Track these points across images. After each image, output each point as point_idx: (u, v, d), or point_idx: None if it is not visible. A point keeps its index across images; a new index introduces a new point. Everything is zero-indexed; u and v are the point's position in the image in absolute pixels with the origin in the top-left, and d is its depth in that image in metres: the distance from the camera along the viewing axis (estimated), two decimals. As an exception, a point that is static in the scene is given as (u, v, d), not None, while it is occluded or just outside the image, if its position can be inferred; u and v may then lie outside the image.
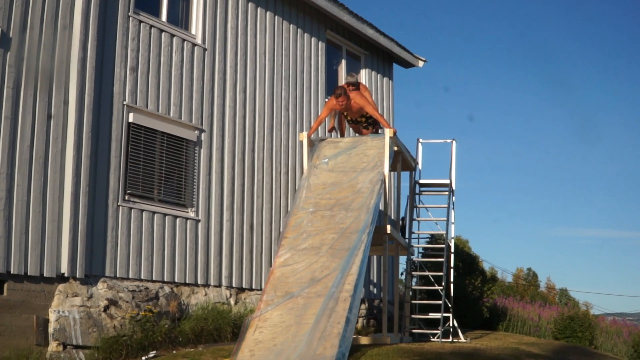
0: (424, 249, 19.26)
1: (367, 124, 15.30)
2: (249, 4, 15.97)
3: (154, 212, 13.39)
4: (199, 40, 14.71)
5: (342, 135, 16.03)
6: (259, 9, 16.22)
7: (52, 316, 11.54)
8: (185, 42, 14.39)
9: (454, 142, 17.70)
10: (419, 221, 17.44)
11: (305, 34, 17.65)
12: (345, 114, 15.33)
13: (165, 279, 13.43)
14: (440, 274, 16.43)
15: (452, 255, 17.01)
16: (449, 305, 16.25)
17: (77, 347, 11.60)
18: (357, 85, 15.41)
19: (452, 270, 16.92)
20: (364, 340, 14.07)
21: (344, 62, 19.19)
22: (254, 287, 15.25)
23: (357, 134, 15.83)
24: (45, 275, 11.56)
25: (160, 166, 13.77)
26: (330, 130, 16.04)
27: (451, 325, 16.01)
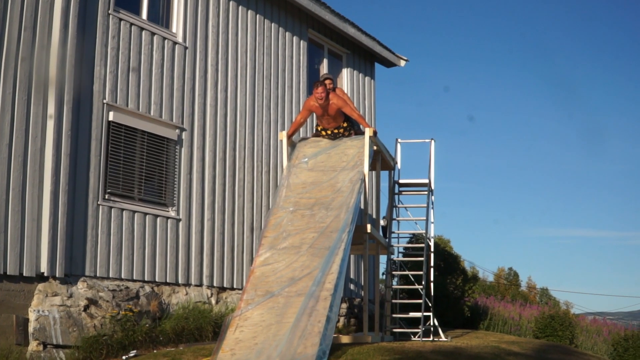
0: (405, 248, 19.29)
1: (348, 132, 15.07)
2: (230, 3, 15.95)
3: (134, 212, 13.35)
4: (179, 39, 14.68)
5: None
6: (240, 8, 16.20)
7: (31, 316, 11.49)
8: (166, 41, 14.36)
9: (433, 141, 17.72)
10: (398, 221, 17.46)
11: (287, 33, 17.65)
12: (320, 128, 15.14)
13: (145, 279, 13.40)
14: (421, 273, 16.46)
15: (432, 255, 17.03)
16: (430, 305, 16.28)
17: (57, 346, 11.56)
18: (332, 79, 15.33)
19: (432, 270, 16.95)
20: (345, 339, 14.09)
21: (325, 61, 19.20)
22: (235, 286, 15.23)
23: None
24: (24, 274, 11.51)
25: (141, 165, 13.73)
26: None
27: (432, 324, 16.05)
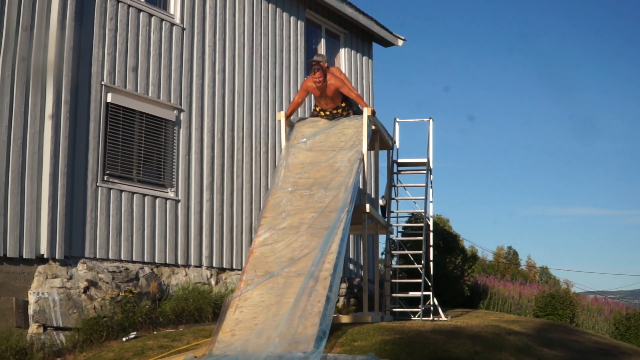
0: (404, 227, 19.27)
1: (346, 112, 15.01)
2: (228, -17, 15.90)
3: (133, 193, 13.36)
4: (177, 20, 14.64)
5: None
6: (237, -12, 16.15)
7: (31, 298, 11.51)
8: (164, 22, 14.32)
9: (431, 120, 17.67)
10: (397, 200, 17.45)
11: (285, 13, 17.59)
12: (318, 109, 15.08)
13: (145, 260, 13.42)
14: (420, 252, 16.46)
15: (431, 234, 17.02)
16: (429, 284, 16.29)
17: (57, 328, 11.59)
18: (324, 60, 15.23)
19: (431, 249, 16.94)
20: (345, 319, 14.10)
21: (323, 41, 19.14)
22: (234, 267, 15.25)
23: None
24: (24, 256, 11.53)
25: (139, 146, 13.73)
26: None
27: (431, 303, 16.06)
